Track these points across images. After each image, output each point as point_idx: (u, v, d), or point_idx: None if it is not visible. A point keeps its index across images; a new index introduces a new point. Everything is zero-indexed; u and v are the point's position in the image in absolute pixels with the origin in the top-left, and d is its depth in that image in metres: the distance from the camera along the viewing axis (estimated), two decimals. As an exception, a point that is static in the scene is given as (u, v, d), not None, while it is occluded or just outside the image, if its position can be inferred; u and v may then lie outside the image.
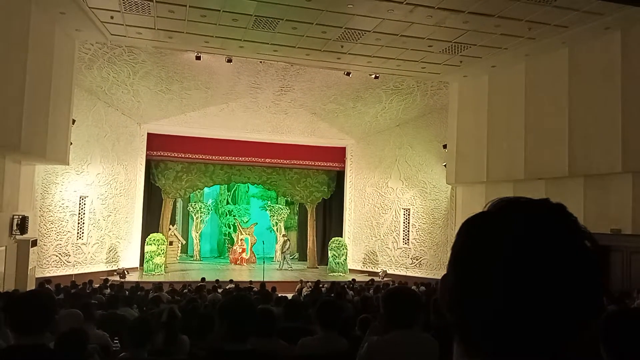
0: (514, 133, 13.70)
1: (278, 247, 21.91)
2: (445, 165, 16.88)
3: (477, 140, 15.03)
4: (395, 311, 2.70)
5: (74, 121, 13.87)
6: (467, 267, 0.75)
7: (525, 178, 13.45)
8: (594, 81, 11.72)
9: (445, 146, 16.78)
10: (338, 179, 21.57)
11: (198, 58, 14.06)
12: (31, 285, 12.41)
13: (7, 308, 2.45)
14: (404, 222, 19.16)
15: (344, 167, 21.06)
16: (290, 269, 19.88)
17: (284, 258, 20.45)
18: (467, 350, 0.74)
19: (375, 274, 18.58)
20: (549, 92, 12.84)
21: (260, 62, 14.85)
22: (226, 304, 2.57)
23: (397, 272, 18.47)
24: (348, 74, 15.20)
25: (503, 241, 0.71)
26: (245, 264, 21.10)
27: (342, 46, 13.06)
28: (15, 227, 12.05)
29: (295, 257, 23.57)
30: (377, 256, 19.72)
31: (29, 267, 12.74)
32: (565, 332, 0.70)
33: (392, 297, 2.76)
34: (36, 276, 13.39)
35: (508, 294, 0.69)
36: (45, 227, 15.01)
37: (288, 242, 21.33)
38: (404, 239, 19.08)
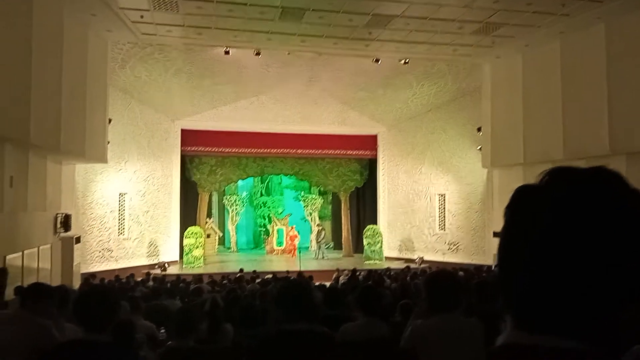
0: (551, 112, 13.32)
1: (313, 237, 22.02)
2: (480, 149, 16.58)
3: (512, 121, 14.70)
4: (437, 295, 2.68)
5: (110, 120, 14.20)
6: (510, 239, 0.73)
7: (564, 158, 13.08)
8: (632, 55, 11.27)
9: (479, 129, 16.47)
10: (370, 167, 21.47)
11: (227, 53, 14.16)
12: (77, 281, 12.84)
13: (76, 304, 2.55)
14: (439, 208, 18.96)
15: (376, 155, 20.93)
16: (326, 258, 19.96)
17: (319, 247, 20.51)
18: (515, 323, 0.72)
19: (412, 260, 18.47)
20: (586, 69, 12.42)
21: (288, 53, 14.86)
22: (283, 289, 2.61)
23: (434, 259, 18.32)
24: (377, 60, 15.05)
25: (543, 210, 0.69)
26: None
27: (370, 33, 12.93)
28: (59, 225, 12.46)
29: (331, 246, 23.64)
30: (413, 243, 19.60)
31: (74, 263, 13.19)
32: (609, 306, 0.67)
33: (434, 281, 2.74)
34: (81, 272, 13.84)
35: (545, 266, 0.67)
36: (87, 224, 15.48)
37: (323, 231, 21.34)
38: (439, 224, 18.89)
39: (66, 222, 12.63)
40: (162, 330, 4.70)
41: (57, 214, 12.46)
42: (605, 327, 0.68)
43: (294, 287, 2.56)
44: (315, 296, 3.56)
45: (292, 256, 20.14)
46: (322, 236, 20.98)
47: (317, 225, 21.94)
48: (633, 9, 11.00)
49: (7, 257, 8.99)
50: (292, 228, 21.78)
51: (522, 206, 0.73)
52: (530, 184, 0.75)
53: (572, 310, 0.67)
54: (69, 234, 12.93)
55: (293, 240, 21.29)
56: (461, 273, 11.68)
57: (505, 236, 0.74)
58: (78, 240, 13.62)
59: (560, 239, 0.67)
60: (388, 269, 14.89)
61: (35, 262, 10.69)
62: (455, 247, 18.31)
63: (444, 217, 18.78)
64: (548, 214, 0.68)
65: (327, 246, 21.55)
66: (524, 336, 0.69)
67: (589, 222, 0.67)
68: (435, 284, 2.71)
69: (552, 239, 0.67)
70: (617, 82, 11.56)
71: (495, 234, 15.91)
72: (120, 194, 16.74)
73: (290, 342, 2.35)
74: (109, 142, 14.13)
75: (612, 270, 0.66)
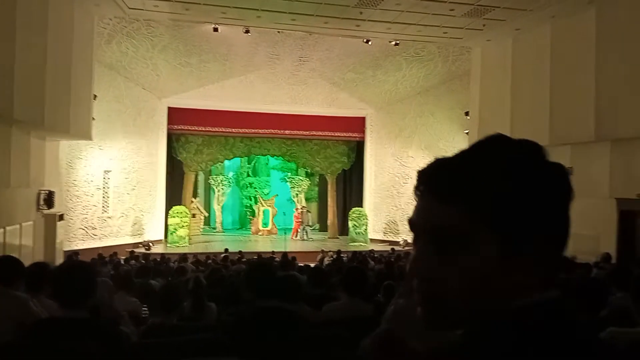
0: (539, 98, 13.37)
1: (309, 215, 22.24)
2: (467, 133, 16.64)
3: (500, 106, 14.73)
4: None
5: (95, 97, 13.97)
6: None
7: (550, 144, 13.15)
8: (622, 41, 11.30)
9: (467, 113, 16.50)
10: (358, 149, 21.45)
11: (215, 30, 13.95)
12: (59, 259, 12.73)
13: (54, 279, 2.51)
14: (425, 192, 19.03)
15: (364, 137, 20.91)
16: (310, 239, 20.04)
17: (304, 229, 20.57)
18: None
19: (396, 243, 18.60)
20: (576, 54, 12.44)
21: (278, 32, 14.68)
22: (250, 271, 2.63)
23: (418, 242, 18.44)
24: (367, 41, 14.94)
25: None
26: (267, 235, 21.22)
27: (361, 13, 12.80)
28: (42, 202, 12.30)
29: (316, 227, 23.71)
30: (398, 226, 19.72)
31: (57, 241, 13.06)
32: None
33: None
34: (64, 249, 13.73)
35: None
36: (71, 201, 15.31)
37: (308, 213, 21.37)
38: (425, 208, 18.98)
39: (49, 199, 12.47)
40: (145, 308, 4.69)
41: (40, 190, 12.29)
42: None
43: (258, 267, 2.60)
44: (292, 276, 3.56)
45: (295, 237, 20.62)
46: (307, 218, 20.97)
47: (302, 207, 21.88)
48: (624, -5, 11.01)
49: (-11, 233, 8.87)
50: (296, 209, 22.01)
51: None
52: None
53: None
54: (52, 211, 12.77)
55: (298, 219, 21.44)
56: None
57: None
58: (61, 217, 13.48)
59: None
60: (372, 251, 14.98)
61: (18, 239, 10.56)
62: (440, 230, 18.44)
63: (430, 200, 18.86)
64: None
65: (312, 228, 21.61)
66: None
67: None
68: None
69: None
70: (605, 68, 11.60)
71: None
72: (105, 172, 16.55)
73: (263, 318, 2.40)
74: (94, 119, 13.91)
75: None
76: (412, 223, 0.72)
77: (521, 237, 0.66)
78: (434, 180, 0.70)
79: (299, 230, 20.80)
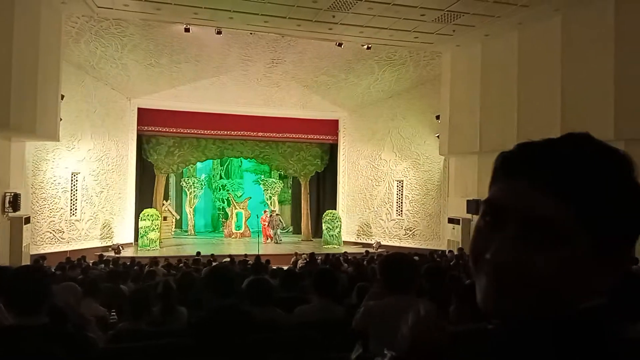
0: (507, 103, 13.66)
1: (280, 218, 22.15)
2: (438, 137, 16.87)
3: (470, 110, 15.00)
4: (392, 276, 2.72)
5: (62, 96, 13.67)
6: None
7: (517, 148, 13.46)
8: (586, 48, 11.65)
9: (438, 117, 16.74)
10: (331, 152, 21.52)
11: (187, 30, 13.81)
12: (26, 262, 12.40)
13: (4, 287, 2.44)
14: (397, 194, 19.23)
15: (337, 140, 20.99)
16: (280, 242, 20.05)
17: (274, 232, 20.44)
18: None
19: (370, 245, 18.71)
20: (542, 60, 12.77)
21: (251, 33, 14.63)
22: (209, 274, 2.66)
23: (390, 244, 18.62)
24: (340, 44, 15.02)
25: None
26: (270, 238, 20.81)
27: (333, 16, 12.87)
28: (7, 205, 11.98)
29: (290, 230, 23.68)
30: (370, 228, 19.84)
31: (23, 244, 12.72)
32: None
33: (389, 263, 2.77)
34: (30, 253, 13.38)
35: None
36: (38, 204, 14.92)
37: (277, 216, 21.20)
38: (397, 210, 19.18)
39: (15, 202, 12.15)
40: (113, 313, 4.61)
41: (5, 192, 11.96)
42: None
43: (217, 271, 2.65)
44: (263, 280, 3.56)
45: (267, 241, 20.37)
46: (276, 221, 20.85)
47: (272, 210, 21.69)
48: (589, 2, 11.34)
49: (-50, 237, 8.59)
50: (264, 212, 21.63)
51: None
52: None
53: None
54: (18, 213, 12.44)
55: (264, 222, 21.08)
56: (416, 258, 11.91)
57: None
58: (28, 220, 13.14)
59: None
60: (345, 253, 15.04)
61: (-19, 242, 10.26)
62: (411, 232, 18.65)
63: (402, 202, 19.07)
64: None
65: (285, 230, 21.52)
66: None
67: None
68: (391, 265, 2.74)
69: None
70: (571, 74, 11.94)
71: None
72: (72, 174, 16.18)
73: (218, 318, 2.45)
74: (61, 119, 13.60)
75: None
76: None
77: (616, 242, 0.68)
78: (544, 171, 0.69)
79: (271, 233, 20.68)
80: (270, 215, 20.83)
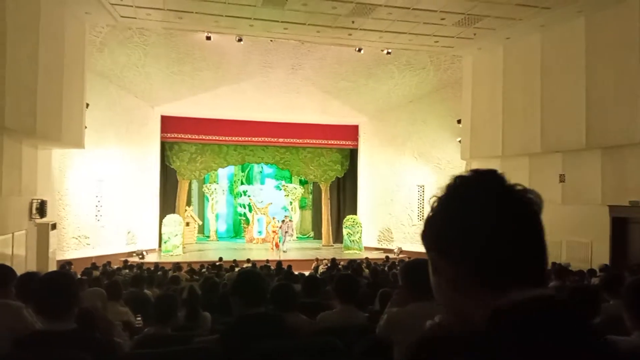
0: (530, 106, 13.49)
1: (293, 225, 21.93)
2: (459, 141, 16.73)
3: (491, 114, 14.84)
4: (415, 283, 2.70)
5: (87, 105, 13.94)
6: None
7: (541, 151, 13.28)
8: (611, 50, 11.44)
9: (459, 121, 16.60)
10: (351, 157, 21.51)
11: (208, 38, 13.99)
12: (52, 268, 12.64)
13: (35, 293, 2.50)
14: (418, 199, 19.11)
15: (357, 145, 20.98)
16: (285, 251, 18.70)
17: (283, 241, 19.20)
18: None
19: (391, 250, 18.62)
20: (566, 63, 12.58)
21: (271, 40, 14.74)
22: (238, 279, 2.67)
23: (412, 249, 18.47)
24: (359, 50, 15.03)
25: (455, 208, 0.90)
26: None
27: (353, 22, 12.89)
28: (34, 211, 12.24)
29: (311, 236, 23.70)
30: (392, 233, 19.74)
31: (50, 250, 12.97)
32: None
33: (412, 269, 2.76)
34: (57, 259, 13.63)
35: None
36: (64, 210, 15.22)
37: (290, 222, 20.11)
38: (418, 215, 19.05)
39: (42, 208, 12.40)
40: (139, 318, 4.67)
41: (32, 199, 12.23)
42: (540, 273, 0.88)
43: (246, 275, 2.66)
44: (287, 285, 3.58)
45: (274, 249, 19.31)
46: (290, 227, 19.76)
47: (285, 216, 20.70)
48: (613, 3, 11.15)
49: (-20, 243, 8.80)
50: (273, 219, 20.82)
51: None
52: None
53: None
54: (44, 220, 12.70)
55: (275, 233, 19.94)
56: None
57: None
58: (54, 226, 13.40)
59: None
60: (366, 259, 14.98)
61: (10, 248, 10.49)
62: (433, 237, 18.46)
63: (423, 207, 18.93)
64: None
65: (306, 236, 21.10)
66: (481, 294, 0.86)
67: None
68: (413, 271, 2.73)
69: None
70: (595, 76, 11.74)
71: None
72: (98, 180, 16.48)
73: (249, 325, 2.46)
74: (86, 127, 13.88)
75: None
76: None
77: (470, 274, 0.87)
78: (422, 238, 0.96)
79: (281, 240, 19.36)
80: (283, 221, 19.76)
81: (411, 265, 2.81)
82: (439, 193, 0.94)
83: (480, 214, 0.86)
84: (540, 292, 0.83)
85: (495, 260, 0.85)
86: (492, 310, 0.81)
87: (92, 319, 2.98)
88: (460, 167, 17.64)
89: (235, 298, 2.63)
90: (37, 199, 12.35)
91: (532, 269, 0.86)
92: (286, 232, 19.36)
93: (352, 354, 2.90)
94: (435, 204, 0.93)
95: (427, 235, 0.94)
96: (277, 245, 19.37)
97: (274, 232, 19.87)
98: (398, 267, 11.66)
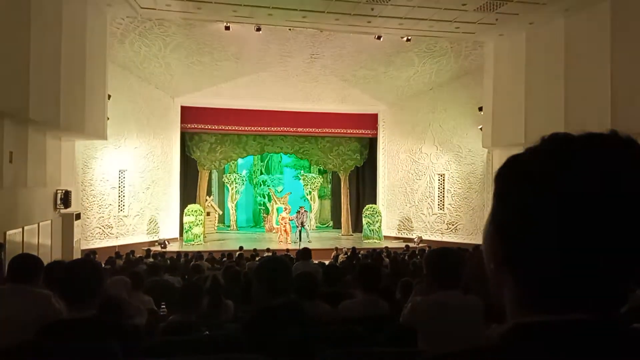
0: (554, 93, 13.22)
1: (312, 215, 21.96)
2: (481, 129, 16.51)
3: (514, 101, 14.60)
4: (440, 271, 2.68)
5: (109, 96, 14.10)
6: (513, 208, 0.70)
7: (565, 139, 13.02)
8: (637, 33, 11.13)
9: (480, 109, 16.38)
10: (370, 146, 21.42)
11: (227, 28, 14.00)
12: (77, 257, 12.89)
13: (59, 279, 2.54)
14: (438, 188, 18.97)
15: (377, 134, 20.87)
16: (295, 241, 18.18)
17: (300, 231, 18.69)
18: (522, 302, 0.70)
19: (410, 240, 18.56)
20: (591, 48, 12.28)
21: (290, 29, 14.68)
22: (260, 266, 2.66)
23: (432, 238, 18.40)
24: (379, 37, 14.89)
25: (559, 178, 0.66)
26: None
27: (372, 9, 12.76)
28: (59, 202, 12.47)
29: (330, 225, 23.73)
30: (411, 222, 19.66)
31: (74, 240, 13.23)
32: (622, 277, 0.66)
33: (437, 257, 2.74)
34: (81, 248, 13.90)
35: (564, 238, 0.64)
36: (87, 200, 15.49)
37: (305, 212, 19.31)
38: (439, 204, 18.92)
39: (66, 199, 12.64)
40: (163, 306, 4.73)
41: (57, 190, 12.45)
42: (614, 298, 0.67)
43: (271, 263, 2.62)
44: (309, 274, 3.58)
45: (285, 239, 18.67)
46: (302, 218, 18.89)
47: (301, 207, 19.78)
48: (639, -13, 10.83)
49: (7, 233, 9.00)
50: (285, 209, 20.13)
51: (530, 173, 0.70)
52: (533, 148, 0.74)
53: (585, 284, 0.65)
54: (69, 210, 12.94)
55: (286, 222, 19.08)
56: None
57: (506, 205, 0.72)
58: (78, 216, 13.65)
59: (582, 210, 0.64)
60: (386, 248, 14.97)
61: (36, 238, 10.71)
62: (453, 227, 18.37)
63: (443, 196, 18.79)
64: (567, 180, 0.66)
65: (308, 228, 19.55)
66: (535, 314, 0.68)
67: (612, 189, 0.64)
68: (439, 260, 2.71)
69: (574, 210, 0.64)
70: (621, 61, 11.44)
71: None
72: (120, 171, 16.71)
73: (270, 316, 2.44)
74: (108, 119, 14.04)
75: (628, 242, 0.64)
76: None
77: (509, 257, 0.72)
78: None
79: (294, 231, 18.91)
80: (298, 212, 19.07)
81: (436, 254, 2.79)
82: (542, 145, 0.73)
83: (596, 198, 0.64)
84: (587, 315, 0.65)
85: (578, 270, 0.65)
86: (514, 323, 0.69)
87: (118, 306, 3.03)
88: (481, 156, 17.44)
89: (258, 286, 2.62)
90: (62, 190, 12.58)
91: (610, 292, 0.66)
92: (303, 222, 18.79)
93: (376, 342, 2.89)
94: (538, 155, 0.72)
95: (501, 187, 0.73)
96: (287, 234, 18.75)
97: (283, 220, 19.13)
98: (418, 256, 11.63)
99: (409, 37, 14.98)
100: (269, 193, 23.84)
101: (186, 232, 17.83)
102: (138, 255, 13.08)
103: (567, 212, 0.64)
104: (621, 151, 0.69)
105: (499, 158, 16.49)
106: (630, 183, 0.65)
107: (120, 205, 16.77)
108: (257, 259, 11.56)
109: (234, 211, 23.08)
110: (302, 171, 24.36)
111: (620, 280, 0.66)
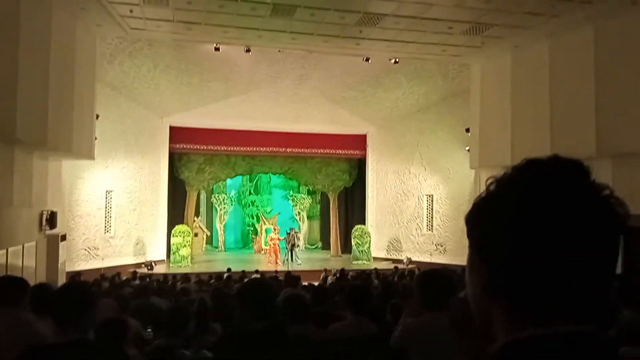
0: (539, 114, 13.41)
1: (301, 236, 21.80)
2: (468, 150, 16.66)
3: (500, 122, 14.77)
4: (430, 293, 2.66)
5: (97, 116, 14.05)
6: (481, 229, 0.77)
7: (551, 160, 13.16)
8: (620, 57, 11.37)
9: (467, 130, 16.54)
10: (359, 167, 21.49)
11: (217, 49, 14.07)
12: (62, 279, 12.67)
13: (51, 303, 2.48)
14: (427, 209, 19.02)
15: (365, 155, 20.95)
16: (285, 262, 18.13)
17: (290, 252, 18.48)
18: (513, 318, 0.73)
19: (400, 261, 18.51)
20: (575, 70, 12.51)
21: (279, 51, 14.80)
22: (244, 289, 2.61)
23: (421, 259, 18.37)
24: (367, 59, 15.05)
25: (511, 200, 0.73)
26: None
27: (360, 31, 12.92)
28: (44, 222, 12.29)
29: (319, 246, 23.62)
30: (400, 243, 19.64)
31: (59, 261, 13.00)
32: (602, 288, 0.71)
33: (427, 279, 2.72)
34: (66, 270, 13.66)
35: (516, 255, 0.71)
36: (73, 221, 15.29)
37: (296, 233, 19.15)
38: (427, 225, 18.95)
39: (52, 219, 12.46)
40: (149, 330, 4.64)
41: (42, 210, 12.28)
42: (600, 307, 0.72)
43: (253, 286, 2.57)
44: (299, 296, 3.54)
45: (274, 260, 18.69)
46: (291, 239, 18.64)
47: (291, 229, 19.55)
48: (622, 11, 11.09)
49: (-9, 254, 8.84)
50: (274, 230, 20.10)
51: (493, 197, 0.78)
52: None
53: (564, 296, 0.70)
54: (54, 231, 12.75)
55: (275, 243, 19.12)
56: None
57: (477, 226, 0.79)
58: (64, 237, 13.45)
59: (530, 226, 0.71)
60: (375, 270, 14.91)
61: (20, 259, 10.52)
62: (442, 247, 18.37)
63: (432, 217, 18.84)
64: (516, 202, 0.74)
65: (298, 249, 19.23)
66: (525, 330, 0.70)
67: (557, 207, 0.72)
68: (429, 282, 2.69)
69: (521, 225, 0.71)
70: (605, 84, 11.65)
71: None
72: (107, 192, 16.56)
73: (244, 343, 2.38)
74: (96, 139, 13.96)
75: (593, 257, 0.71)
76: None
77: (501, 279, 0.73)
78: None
79: (283, 253, 18.82)
80: (288, 234, 18.87)
81: (427, 275, 2.78)
82: (500, 175, 0.78)
83: (548, 216, 0.69)
84: (578, 328, 0.68)
85: (549, 282, 0.69)
86: (504, 343, 0.69)
87: (124, 328, 2.96)
88: (469, 177, 17.56)
89: (239, 310, 2.56)
90: (47, 210, 12.41)
91: (590, 301, 0.70)
92: (293, 244, 18.58)
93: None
94: (492, 187, 0.77)
95: (470, 222, 0.78)
96: (276, 255, 18.77)
97: (272, 240, 19.07)
98: (407, 277, 11.59)
99: (397, 60, 15.17)
100: (257, 214, 23.73)
101: (173, 253, 17.63)
102: (125, 277, 12.88)
103: (524, 235, 0.70)
104: (563, 173, 0.77)
105: (486, 179, 16.59)
106: (575, 202, 0.73)
107: (107, 226, 16.58)
108: (245, 280, 11.44)
109: (222, 232, 22.92)
110: (291, 192, 24.34)
111: (598, 289, 0.71)
